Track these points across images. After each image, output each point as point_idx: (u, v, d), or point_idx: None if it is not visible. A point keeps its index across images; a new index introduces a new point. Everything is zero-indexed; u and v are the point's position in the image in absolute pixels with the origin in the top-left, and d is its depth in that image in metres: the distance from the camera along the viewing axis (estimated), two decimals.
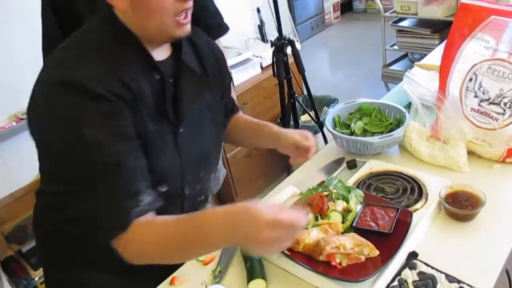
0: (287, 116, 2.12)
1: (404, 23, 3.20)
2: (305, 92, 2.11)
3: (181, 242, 0.80)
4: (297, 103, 2.16)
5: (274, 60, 1.98)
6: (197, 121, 0.99)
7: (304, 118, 2.70)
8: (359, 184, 1.16)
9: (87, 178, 0.79)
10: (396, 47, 3.33)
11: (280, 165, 2.72)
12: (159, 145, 0.89)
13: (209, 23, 1.57)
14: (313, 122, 2.42)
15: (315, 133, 2.36)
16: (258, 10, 2.83)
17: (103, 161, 0.78)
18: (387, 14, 3.23)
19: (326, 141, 2.24)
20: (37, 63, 0.97)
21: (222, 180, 2.01)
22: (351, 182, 1.17)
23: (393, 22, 3.24)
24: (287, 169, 2.41)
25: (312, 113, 2.17)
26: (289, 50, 1.97)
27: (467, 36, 1.18)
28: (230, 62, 2.53)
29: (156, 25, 0.84)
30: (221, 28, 1.60)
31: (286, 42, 1.97)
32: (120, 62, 0.83)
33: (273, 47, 1.97)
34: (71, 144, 0.78)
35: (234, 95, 1.51)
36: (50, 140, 0.81)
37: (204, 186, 1.08)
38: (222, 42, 1.65)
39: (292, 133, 1.15)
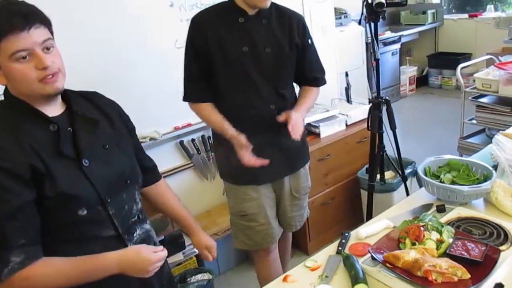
0: (375, 167, 2.32)
1: (484, 100, 3.35)
2: (395, 147, 2.32)
3: (76, 277, 1.08)
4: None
5: (370, 115, 2.23)
6: (102, 153, 1.18)
7: (388, 175, 2.82)
8: (448, 225, 1.32)
9: None
10: (474, 121, 3.46)
11: (355, 216, 2.88)
12: (67, 176, 1.08)
13: (308, 74, 1.87)
14: (393, 180, 2.62)
15: (396, 188, 2.54)
16: (347, 74, 3.12)
17: None
18: (467, 89, 3.41)
19: (408, 194, 2.40)
20: None
21: (305, 219, 2.21)
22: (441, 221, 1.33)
23: (473, 98, 3.40)
24: (362, 220, 2.57)
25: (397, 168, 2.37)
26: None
27: None
28: (318, 117, 2.80)
29: (27, 89, 1.04)
30: (316, 81, 1.90)
31: (383, 101, 2.22)
32: (17, 125, 1.05)
33: (371, 103, 2.22)
34: None
35: None
36: None
37: (133, 207, 1.26)
38: None
39: (203, 239, 1.53)
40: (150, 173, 1.45)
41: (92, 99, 1.26)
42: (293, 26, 1.79)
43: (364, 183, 2.69)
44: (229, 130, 1.71)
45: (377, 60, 2.06)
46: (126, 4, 2.21)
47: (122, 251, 1.14)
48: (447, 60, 5.81)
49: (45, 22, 1.05)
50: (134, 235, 1.26)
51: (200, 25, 1.74)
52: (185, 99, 1.83)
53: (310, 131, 2.78)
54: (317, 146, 2.69)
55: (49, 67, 1.03)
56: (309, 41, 1.86)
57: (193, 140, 2.60)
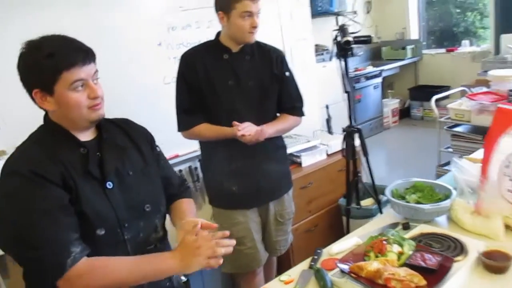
0: (351, 192, 2.45)
1: (459, 129, 3.54)
2: (368, 172, 2.45)
3: (133, 276, 1.15)
4: (360, 185, 2.50)
5: (345, 143, 2.38)
6: (126, 179, 1.27)
7: (364, 203, 2.95)
8: (412, 240, 1.44)
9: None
10: (450, 149, 3.63)
11: None
12: (91, 195, 1.18)
13: (286, 104, 2.02)
14: (372, 206, 2.74)
15: (375, 214, 2.66)
16: (327, 107, 3.29)
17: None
18: (442, 119, 3.59)
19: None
20: None
21: (289, 243, 2.32)
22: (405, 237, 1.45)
23: (448, 127, 3.58)
24: None
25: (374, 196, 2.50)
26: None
27: (503, 132, 1.52)
28: (299, 147, 2.95)
29: (77, 115, 1.18)
30: (293, 109, 2.05)
31: (356, 129, 2.38)
32: (53, 146, 1.18)
33: (345, 132, 2.37)
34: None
35: None
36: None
37: (150, 235, 1.32)
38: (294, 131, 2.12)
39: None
40: (175, 189, 1.49)
41: (123, 126, 1.38)
42: (272, 60, 1.97)
43: (344, 210, 2.81)
44: (233, 130, 1.82)
45: (348, 93, 2.23)
46: (119, 44, 2.37)
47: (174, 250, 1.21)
48: (427, 93, 6.02)
49: (95, 58, 1.20)
50: None
51: (191, 61, 1.92)
52: (180, 129, 1.97)
53: (293, 160, 2.92)
54: (300, 174, 2.82)
55: (99, 97, 1.19)
56: (287, 73, 2.03)
57: (180, 171, 2.72)
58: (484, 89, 3.53)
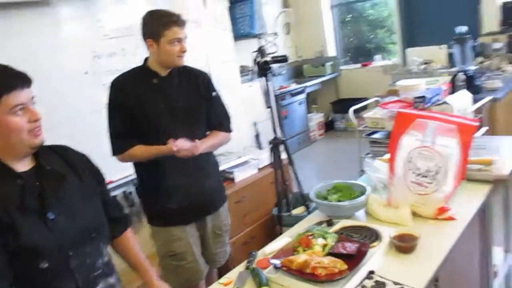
0: (281, 201, 2.61)
1: (376, 135, 3.86)
2: (296, 181, 2.64)
3: None
4: (291, 196, 2.67)
5: (273, 154, 2.55)
6: (68, 206, 1.25)
7: (296, 211, 3.13)
8: (334, 233, 1.61)
9: None
10: (370, 155, 3.94)
11: None
12: (29, 229, 1.15)
13: (214, 121, 2.15)
14: (302, 214, 2.92)
15: None
16: (255, 124, 3.48)
17: None
18: (361, 128, 3.91)
19: None
20: None
21: (228, 255, 2.42)
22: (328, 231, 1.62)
23: (366, 135, 3.90)
24: None
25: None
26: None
27: (403, 133, 1.75)
28: (231, 163, 3.09)
29: (17, 140, 1.16)
30: (221, 125, 2.18)
31: (280, 141, 2.56)
32: None
33: (271, 144, 2.55)
34: None
35: None
36: None
37: (97, 261, 1.31)
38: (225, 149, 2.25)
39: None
40: (117, 224, 1.51)
41: (60, 152, 1.35)
42: (199, 82, 2.10)
43: (277, 219, 2.97)
44: (168, 148, 1.88)
45: (270, 107, 2.41)
46: (45, 72, 2.38)
47: None
48: (348, 105, 6.44)
49: (32, 82, 1.22)
50: None
51: (120, 87, 1.99)
52: (115, 153, 2.02)
53: (226, 176, 3.04)
54: (233, 189, 2.95)
55: (40, 120, 1.19)
56: (214, 93, 2.16)
57: (115, 197, 2.74)
58: (395, 98, 3.90)
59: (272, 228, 3.18)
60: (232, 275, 1.52)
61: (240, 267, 1.56)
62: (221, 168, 2.66)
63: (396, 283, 1.29)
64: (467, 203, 1.73)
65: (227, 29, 3.62)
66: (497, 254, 2.49)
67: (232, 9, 4.82)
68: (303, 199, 2.72)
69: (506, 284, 2.51)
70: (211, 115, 2.15)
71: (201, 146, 1.98)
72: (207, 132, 2.17)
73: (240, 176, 3.07)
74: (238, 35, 4.95)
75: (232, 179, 3.04)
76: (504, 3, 5.06)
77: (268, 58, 2.28)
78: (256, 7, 5.24)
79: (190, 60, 2.15)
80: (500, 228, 2.55)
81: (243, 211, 3.02)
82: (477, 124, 1.73)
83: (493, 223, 2.04)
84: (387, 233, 1.54)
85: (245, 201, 3.01)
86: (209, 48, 3.35)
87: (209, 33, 3.35)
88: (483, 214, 1.91)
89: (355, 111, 4.05)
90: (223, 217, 2.29)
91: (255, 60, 2.30)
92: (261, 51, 2.33)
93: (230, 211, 2.39)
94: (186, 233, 2.12)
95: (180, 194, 2.05)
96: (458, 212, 1.64)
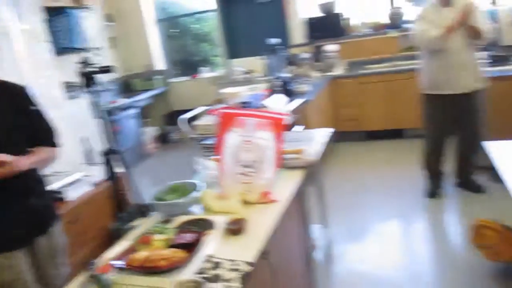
0: (118, 214, 2.59)
1: (208, 141, 4.09)
2: (134, 190, 2.65)
3: None
4: (131, 208, 2.66)
5: (107, 167, 2.51)
6: None
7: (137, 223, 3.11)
8: (175, 228, 1.71)
9: None
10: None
11: None
12: None
13: (37, 137, 2.04)
14: None
15: None
16: (87, 139, 3.36)
17: None
18: (194, 136, 4.09)
19: None
20: None
21: (67, 275, 2.29)
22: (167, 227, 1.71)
23: (199, 142, 4.10)
24: None
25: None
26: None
27: (226, 130, 1.95)
28: (61, 183, 2.92)
29: None
30: (46, 140, 2.07)
31: (112, 151, 2.55)
32: None
33: (104, 156, 2.51)
34: None
35: None
36: None
37: None
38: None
39: None
40: None
41: None
42: (14, 95, 1.97)
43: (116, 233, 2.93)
44: None
45: (100, 118, 2.39)
46: None
47: None
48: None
49: None
50: None
51: None
52: None
53: (56, 197, 2.87)
54: (66, 209, 2.80)
55: None
56: (33, 107, 2.05)
57: None
58: (223, 105, 4.19)
59: (113, 243, 3.10)
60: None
61: (81, 279, 1.54)
62: (49, 188, 2.52)
63: (231, 260, 1.44)
64: (286, 188, 2.01)
65: (42, 40, 3.42)
66: (317, 230, 2.91)
67: (50, 22, 4.55)
68: (145, 209, 2.73)
69: (326, 253, 2.95)
70: (33, 130, 2.03)
71: (25, 162, 1.86)
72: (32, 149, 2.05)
73: (72, 195, 2.93)
74: (60, 50, 4.69)
75: (64, 199, 2.88)
76: (310, 19, 5.86)
77: (92, 68, 2.26)
78: (75, 20, 5.03)
79: (1, 75, 2.00)
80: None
81: (80, 229, 2.88)
82: (285, 117, 2.01)
83: (313, 205, 2.39)
84: (221, 221, 1.71)
85: (82, 219, 2.89)
86: (25, 62, 3.12)
87: (23, 46, 3.13)
88: (300, 196, 2.24)
89: (189, 121, 4.22)
90: (57, 236, 2.17)
91: (80, 72, 2.26)
92: (85, 62, 2.29)
93: (65, 232, 2.28)
94: (14, 260, 1.95)
95: (1, 217, 1.88)
96: (279, 196, 1.90)
